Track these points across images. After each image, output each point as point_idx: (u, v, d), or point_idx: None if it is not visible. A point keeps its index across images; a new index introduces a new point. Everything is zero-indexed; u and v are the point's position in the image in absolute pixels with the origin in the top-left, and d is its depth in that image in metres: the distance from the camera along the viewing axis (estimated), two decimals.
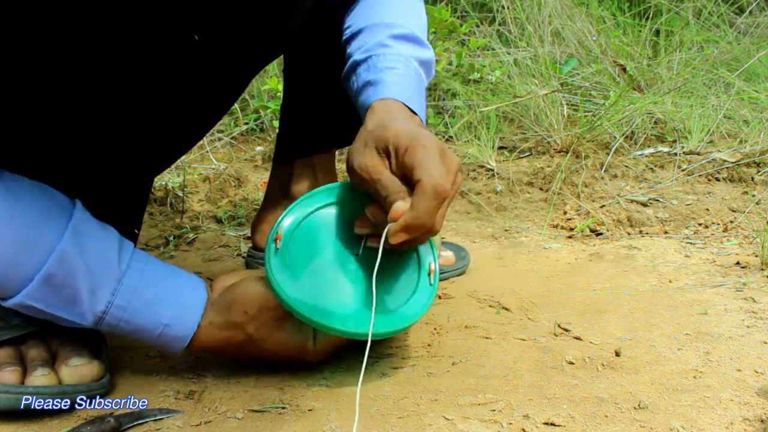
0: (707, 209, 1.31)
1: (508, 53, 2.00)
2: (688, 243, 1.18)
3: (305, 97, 1.04)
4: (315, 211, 0.75)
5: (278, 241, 0.72)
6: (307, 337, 0.72)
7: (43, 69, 0.64)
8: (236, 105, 2.02)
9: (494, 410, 0.65)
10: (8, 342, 0.69)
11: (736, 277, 1.00)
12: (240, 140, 1.99)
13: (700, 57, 1.98)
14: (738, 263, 1.06)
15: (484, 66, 2.00)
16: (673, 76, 1.87)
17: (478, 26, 2.24)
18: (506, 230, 1.34)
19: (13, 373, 0.66)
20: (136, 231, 0.84)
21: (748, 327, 0.83)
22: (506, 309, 0.93)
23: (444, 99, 2.01)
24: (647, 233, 1.25)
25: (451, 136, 1.80)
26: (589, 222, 1.29)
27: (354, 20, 0.86)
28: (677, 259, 1.10)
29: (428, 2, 2.24)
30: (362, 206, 0.73)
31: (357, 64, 0.81)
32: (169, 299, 0.69)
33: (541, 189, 1.48)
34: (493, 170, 1.56)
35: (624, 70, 1.90)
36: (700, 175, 1.45)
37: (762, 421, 0.61)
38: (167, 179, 1.57)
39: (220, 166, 1.73)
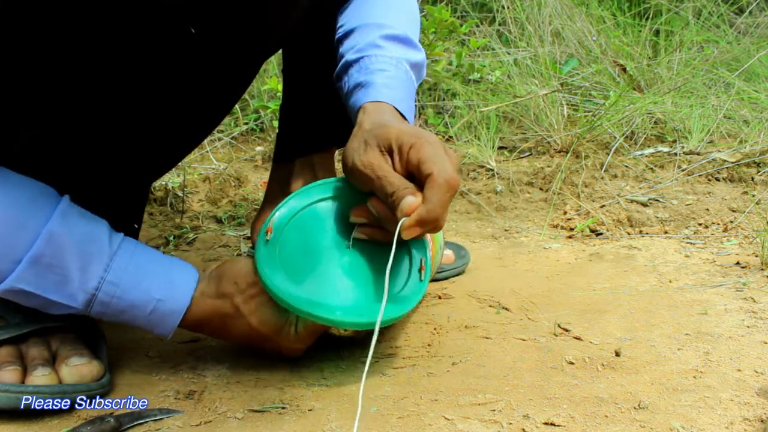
0: (707, 209, 1.31)
1: (508, 53, 2.00)
2: (688, 243, 1.18)
3: (304, 96, 1.04)
4: (309, 205, 0.75)
5: (269, 232, 0.72)
6: (289, 321, 0.72)
7: (41, 67, 0.64)
8: (236, 105, 2.02)
9: (494, 410, 0.65)
10: (8, 341, 0.70)
11: (736, 277, 1.00)
12: (240, 140, 1.99)
13: (700, 57, 1.98)
14: (738, 263, 1.06)
15: (484, 66, 2.00)
16: (673, 76, 1.87)
17: (478, 26, 2.24)
18: (506, 230, 1.33)
19: (13, 373, 0.66)
20: (135, 226, 0.84)
21: (748, 327, 0.83)
22: (506, 309, 0.93)
23: (444, 99, 2.01)
24: (647, 233, 1.25)
25: (451, 136, 1.80)
26: (589, 222, 1.29)
27: (346, 19, 0.87)
28: (677, 259, 1.10)
29: (428, 2, 2.24)
30: (356, 201, 0.73)
31: (349, 64, 0.81)
32: (161, 275, 0.69)
33: (541, 189, 1.48)
34: (493, 170, 1.56)
35: (624, 70, 1.90)
36: (700, 175, 1.45)
37: (762, 421, 0.61)
38: (167, 179, 1.57)
39: (220, 166, 1.73)
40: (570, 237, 1.27)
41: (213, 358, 0.79)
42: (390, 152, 0.68)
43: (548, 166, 1.56)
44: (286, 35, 0.85)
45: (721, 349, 0.77)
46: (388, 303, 0.69)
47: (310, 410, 0.66)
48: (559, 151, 1.64)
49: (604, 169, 1.50)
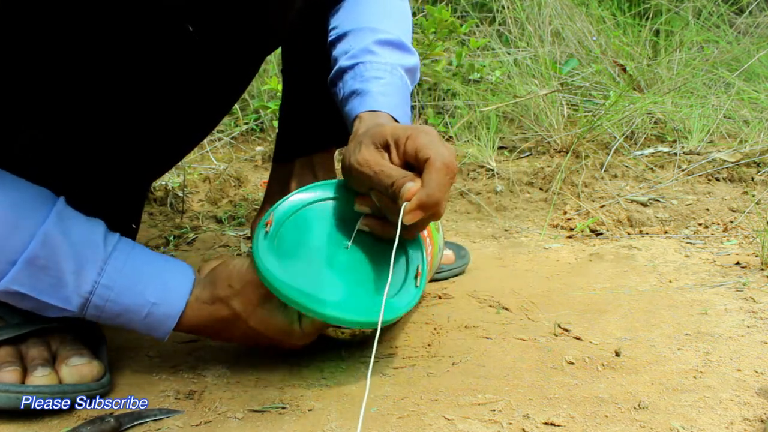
0: (707, 209, 1.31)
1: (508, 53, 2.00)
2: (688, 243, 1.18)
3: (304, 96, 1.04)
4: (310, 203, 0.75)
5: (269, 225, 0.72)
6: (292, 318, 0.72)
7: (39, 66, 0.64)
8: (236, 105, 2.02)
9: (494, 410, 0.65)
10: (8, 341, 0.69)
11: (736, 277, 1.00)
12: (240, 140, 1.99)
13: (700, 57, 1.98)
14: (738, 263, 1.06)
15: (484, 66, 2.00)
16: (673, 76, 1.87)
17: (478, 26, 2.23)
18: (506, 230, 1.33)
19: (13, 373, 0.66)
20: (134, 226, 0.84)
21: (748, 327, 0.83)
22: (506, 309, 0.93)
23: (444, 99, 2.01)
24: (647, 233, 1.25)
25: (451, 136, 1.80)
26: (589, 222, 1.29)
27: (339, 22, 0.86)
28: (677, 259, 1.10)
29: (428, 2, 2.24)
30: (348, 206, 0.73)
31: (343, 70, 0.81)
32: (156, 278, 0.69)
33: (541, 189, 1.48)
34: (493, 170, 1.56)
35: (624, 70, 1.90)
36: (700, 175, 1.45)
37: (762, 421, 0.61)
38: (167, 179, 1.57)
39: (220, 166, 1.73)
40: (570, 237, 1.27)
41: (213, 358, 0.79)
42: (386, 148, 0.68)
43: (548, 166, 1.56)
44: (284, 34, 0.85)
45: (721, 349, 0.77)
46: (385, 305, 0.69)
47: (310, 410, 0.66)
48: (559, 151, 1.64)
49: (604, 169, 1.50)
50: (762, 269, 1.02)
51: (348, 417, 0.65)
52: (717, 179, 1.45)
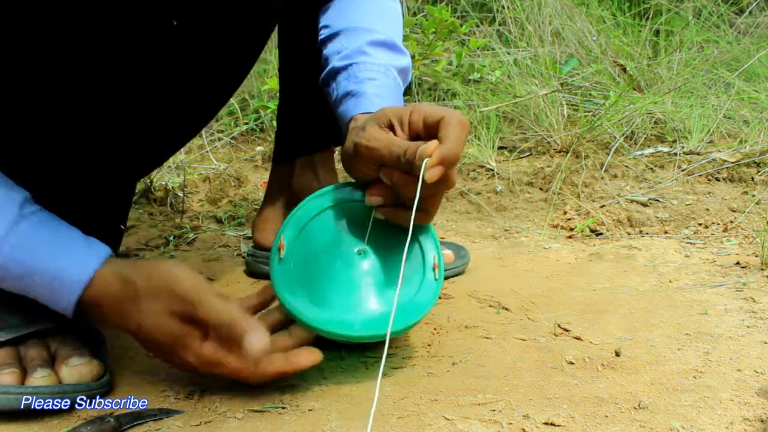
0: (707, 209, 1.31)
1: (508, 53, 2.00)
2: (688, 243, 1.18)
3: (302, 95, 1.03)
4: (315, 216, 0.75)
5: (282, 249, 0.72)
6: (195, 334, 0.66)
7: (28, 65, 0.63)
8: (236, 105, 2.02)
9: (494, 410, 0.65)
10: (7, 343, 0.69)
11: (736, 277, 1.00)
12: (240, 140, 1.99)
13: (700, 57, 1.98)
14: (738, 263, 1.06)
15: (484, 66, 2.00)
16: (673, 76, 1.87)
17: (478, 26, 2.23)
18: (506, 230, 1.33)
19: (11, 375, 0.66)
20: (122, 227, 0.84)
21: (748, 327, 0.83)
22: (506, 309, 0.93)
23: (444, 99, 2.01)
24: (647, 233, 1.25)
25: None
26: (589, 222, 1.29)
27: (330, 20, 0.86)
28: (677, 259, 1.10)
29: (428, 2, 2.24)
30: (360, 206, 0.73)
31: (336, 71, 0.81)
32: (69, 244, 0.66)
33: (541, 189, 1.48)
34: (493, 170, 1.56)
35: (624, 70, 1.90)
36: (700, 175, 1.45)
37: (762, 421, 0.61)
38: (167, 179, 1.57)
39: (220, 166, 1.73)
40: (570, 237, 1.27)
41: None
42: (391, 128, 0.69)
43: (548, 166, 1.56)
44: (270, 30, 0.85)
45: (721, 349, 0.77)
46: (408, 307, 0.70)
47: (310, 410, 0.66)
48: (559, 151, 1.64)
49: (604, 169, 1.50)
50: (762, 269, 1.02)
51: (348, 417, 0.64)
52: (717, 179, 1.45)
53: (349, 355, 0.79)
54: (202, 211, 1.47)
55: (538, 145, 1.70)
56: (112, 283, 0.66)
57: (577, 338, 0.82)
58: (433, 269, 0.72)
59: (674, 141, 1.63)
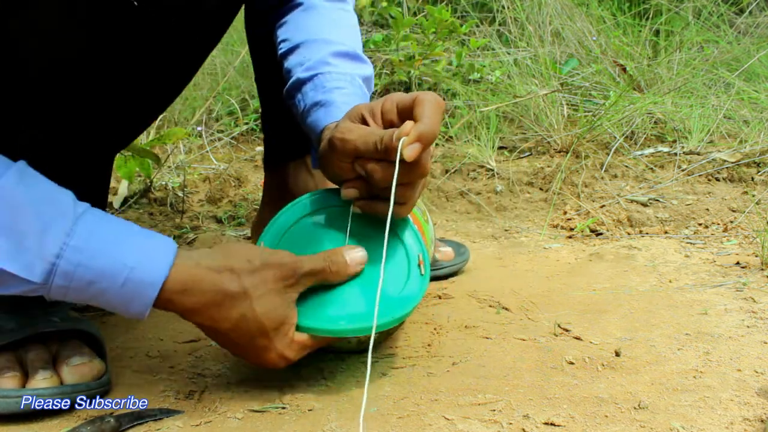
0: (707, 209, 1.31)
1: (508, 53, 2.00)
2: (688, 243, 1.18)
3: (281, 104, 1.04)
4: (296, 222, 0.75)
5: None
6: (291, 321, 0.66)
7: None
8: (236, 105, 2.02)
9: (494, 410, 0.65)
10: (7, 347, 0.69)
11: (736, 277, 1.00)
12: (240, 140, 1.99)
13: (700, 57, 1.98)
14: (738, 263, 1.06)
15: (484, 66, 2.00)
16: (673, 76, 1.87)
17: (478, 26, 2.23)
18: (506, 230, 1.34)
19: (12, 379, 0.66)
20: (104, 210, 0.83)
21: (748, 327, 0.83)
22: (506, 309, 0.93)
23: (444, 99, 2.01)
24: (647, 233, 1.25)
25: (451, 136, 1.80)
26: (589, 222, 1.29)
27: (289, 34, 0.86)
28: (677, 259, 1.10)
29: (428, 2, 2.24)
30: (337, 209, 0.74)
31: (302, 82, 0.80)
32: (134, 241, 0.61)
33: (541, 189, 1.48)
34: (493, 170, 1.56)
35: (624, 70, 1.90)
36: (700, 175, 1.45)
37: (762, 421, 0.61)
38: (167, 179, 1.57)
39: (220, 166, 1.73)
40: (570, 237, 1.27)
41: (213, 358, 0.79)
42: (363, 121, 0.69)
43: (548, 166, 1.56)
44: (235, 7, 0.84)
45: (721, 349, 0.77)
46: (394, 301, 0.69)
47: (310, 410, 0.66)
48: (559, 151, 1.64)
49: (604, 169, 1.50)
50: (762, 269, 1.02)
51: (348, 417, 0.65)
52: (717, 179, 1.45)
53: (349, 355, 0.79)
54: (202, 211, 1.47)
55: (538, 145, 1.70)
56: (201, 276, 0.62)
57: (577, 338, 0.82)
58: (419, 265, 0.72)
59: (674, 141, 1.63)
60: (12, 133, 0.67)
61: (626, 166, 1.52)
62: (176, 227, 1.37)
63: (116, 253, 0.59)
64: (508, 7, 2.10)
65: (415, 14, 2.18)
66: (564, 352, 0.77)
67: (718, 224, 1.25)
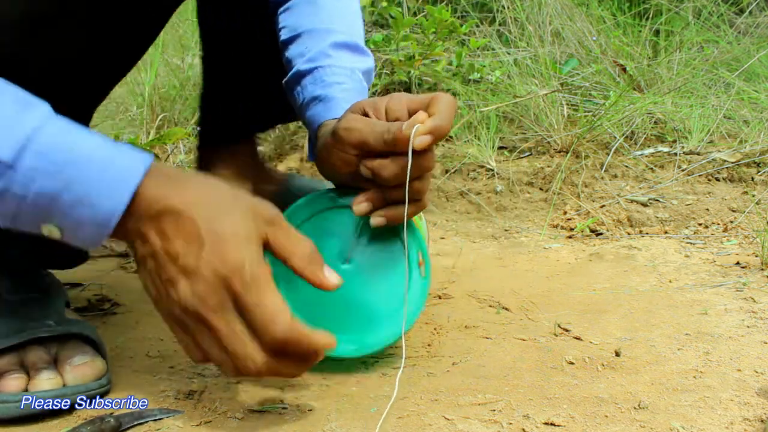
0: (707, 209, 1.31)
1: (508, 53, 2.00)
2: (688, 243, 1.18)
3: (227, 83, 1.03)
4: (298, 227, 0.75)
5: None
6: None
7: None
8: None
9: (494, 410, 0.65)
10: (9, 350, 0.69)
11: (736, 277, 1.00)
12: None
13: (700, 57, 1.98)
14: (738, 263, 1.06)
15: (484, 66, 2.00)
16: (673, 76, 1.87)
17: (478, 26, 2.23)
18: (506, 230, 1.34)
19: (18, 380, 0.66)
20: None
21: (748, 327, 0.83)
22: (506, 309, 0.93)
23: None
24: (647, 233, 1.25)
25: (451, 137, 1.80)
26: (589, 222, 1.29)
27: (291, 21, 0.85)
28: (677, 259, 1.10)
29: (428, 2, 2.24)
30: (338, 212, 0.73)
31: (301, 75, 0.80)
32: (109, 144, 0.53)
33: (541, 189, 1.48)
34: (493, 170, 1.56)
35: (624, 70, 1.90)
36: (700, 175, 1.45)
37: (762, 421, 0.61)
38: None
39: None
40: (570, 237, 1.27)
41: None
42: (365, 116, 0.69)
43: (548, 166, 1.56)
44: None
45: (721, 349, 0.77)
46: (399, 309, 0.70)
47: (310, 410, 0.66)
48: (559, 151, 1.64)
49: (604, 169, 1.50)
50: (762, 269, 1.02)
51: (348, 417, 0.65)
52: (717, 179, 1.45)
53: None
54: None
55: (538, 145, 1.70)
56: (177, 176, 0.55)
57: (577, 338, 0.82)
58: (419, 267, 0.72)
59: (674, 141, 1.63)
60: None
61: (626, 166, 1.52)
62: None
63: (93, 144, 0.52)
64: (508, 7, 2.10)
65: (415, 14, 2.18)
66: (564, 352, 0.77)
67: (718, 224, 1.25)
